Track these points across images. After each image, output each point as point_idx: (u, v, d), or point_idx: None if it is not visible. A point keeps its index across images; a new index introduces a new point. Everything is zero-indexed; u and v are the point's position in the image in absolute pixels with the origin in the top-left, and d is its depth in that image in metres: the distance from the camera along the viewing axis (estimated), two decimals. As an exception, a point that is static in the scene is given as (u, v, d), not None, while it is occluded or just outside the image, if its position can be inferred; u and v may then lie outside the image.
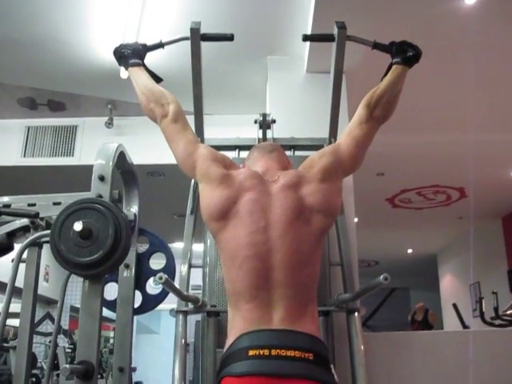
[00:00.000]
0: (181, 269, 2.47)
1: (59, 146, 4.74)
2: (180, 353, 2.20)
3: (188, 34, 2.24)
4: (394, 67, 2.03)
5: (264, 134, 2.95)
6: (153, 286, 2.50)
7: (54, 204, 2.24)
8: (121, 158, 2.32)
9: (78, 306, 1.97)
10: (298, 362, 1.50)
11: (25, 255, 2.15)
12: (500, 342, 2.99)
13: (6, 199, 2.31)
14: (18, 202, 2.29)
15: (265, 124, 2.94)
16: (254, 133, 2.95)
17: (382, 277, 1.66)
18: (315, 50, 3.32)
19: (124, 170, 2.53)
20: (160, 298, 2.62)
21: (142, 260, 2.60)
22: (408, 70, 2.03)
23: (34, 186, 2.91)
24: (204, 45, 2.32)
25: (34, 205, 2.25)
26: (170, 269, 2.59)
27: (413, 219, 8.13)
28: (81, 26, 3.51)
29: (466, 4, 3.09)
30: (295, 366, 1.49)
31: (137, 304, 2.55)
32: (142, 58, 2.14)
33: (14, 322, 2.53)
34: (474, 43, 3.46)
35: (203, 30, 2.25)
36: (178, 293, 2.03)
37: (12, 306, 2.06)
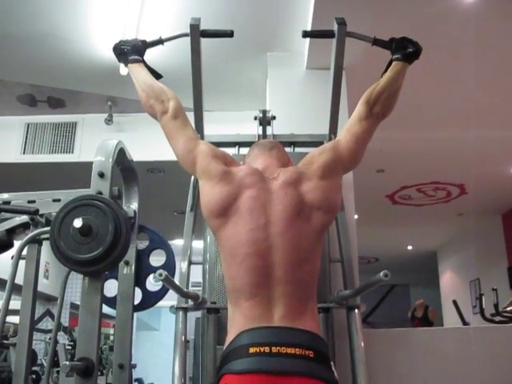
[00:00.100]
0: (181, 266, 2.47)
1: (59, 142, 4.73)
2: (180, 350, 2.21)
3: (188, 31, 2.24)
4: (393, 63, 2.02)
5: (264, 130, 2.94)
6: (153, 283, 2.50)
7: (54, 201, 2.23)
8: (120, 155, 2.32)
9: (78, 302, 1.97)
10: (298, 360, 1.50)
11: (24, 252, 2.15)
12: (500, 339, 2.99)
13: (5, 196, 2.31)
14: (18, 198, 2.28)
15: (265, 120, 2.94)
16: (253, 129, 2.95)
17: (382, 273, 1.66)
18: (315, 46, 3.32)
19: (124, 166, 2.52)
20: (160, 294, 2.61)
21: (142, 257, 2.59)
22: (408, 66, 2.02)
23: (33, 183, 2.89)
24: (204, 41, 2.31)
25: (33, 202, 2.25)
26: (169, 266, 2.59)
27: (413, 216, 8.14)
28: (80, 22, 3.50)
29: (466, 1, 3.09)
30: (295, 363, 1.50)
31: (137, 301, 2.55)
32: (142, 54, 2.13)
33: (14, 319, 2.53)
34: (473, 40, 3.45)
35: (203, 27, 2.24)
36: (177, 290, 2.03)
37: (12, 302, 2.06)
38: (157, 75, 2.12)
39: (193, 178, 2.65)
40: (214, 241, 2.56)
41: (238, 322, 1.62)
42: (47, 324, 7.85)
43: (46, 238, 2.03)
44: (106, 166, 2.09)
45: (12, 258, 2.12)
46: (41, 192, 2.30)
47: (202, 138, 2.64)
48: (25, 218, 2.19)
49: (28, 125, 4.80)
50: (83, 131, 4.77)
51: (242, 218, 1.69)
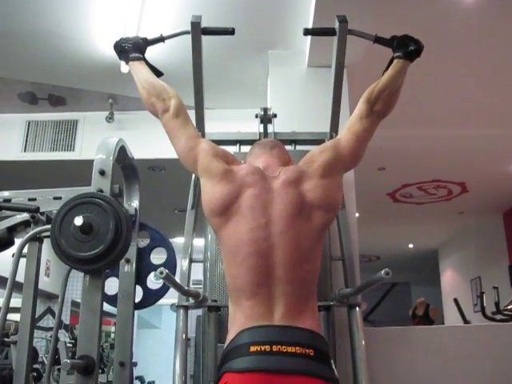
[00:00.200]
0: (181, 264, 2.47)
1: (60, 140, 4.73)
2: (181, 348, 2.20)
3: (189, 28, 2.23)
4: (395, 61, 2.02)
5: (265, 128, 2.94)
6: (153, 281, 2.50)
7: (55, 199, 2.24)
8: (121, 153, 2.32)
9: (79, 300, 1.97)
10: (298, 358, 1.50)
11: (25, 250, 2.15)
12: (501, 337, 2.98)
13: (6, 194, 2.31)
14: (19, 196, 2.29)
15: (266, 118, 2.93)
16: (254, 127, 2.94)
17: (383, 272, 1.66)
18: (316, 44, 3.31)
19: (125, 164, 2.52)
20: (161, 292, 2.61)
21: (143, 255, 2.59)
22: (409, 64, 2.02)
23: (34, 181, 2.89)
24: (205, 39, 2.31)
25: (34, 199, 2.25)
26: (170, 264, 2.59)
27: (414, 214, 8.13)
28: (81, 20, 3.50)
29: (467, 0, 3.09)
30: (296, 361, 1.50)
31: (137, 299, 2.55)
32: (143, 52, 2.13)
33: (15, 317, 2.53)
34: (474, 38, 3.45)
35: (204, 24, 2.24)
36: (178, 288, 2.03)
37: (13, 300, 2.06)
38: (158, 73, 2.11)
39: (194, 175, 2.65)
40: (215, 239, 2.56)
41: (238, 320, 1.62)
42: (48, 322, 7.85)
43: (47, 236, 2.03)
44: (106, 164, 2.10)
45: (13, 255, 2.12)
46: (41, 190, 2.30)
47: (203, 135, 2.64)
48: (25, 215, 2.19)
49: (29, 122, 4.80)
50: (84, 129, 4.77)
51: (243, 216, 1.69)
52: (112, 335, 8.65)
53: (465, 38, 3.44)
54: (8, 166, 4.78)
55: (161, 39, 2.21)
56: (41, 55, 3.89)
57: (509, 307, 5.10)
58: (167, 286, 2.43)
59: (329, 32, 2.30)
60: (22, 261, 2.14)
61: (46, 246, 2.11)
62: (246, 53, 3.79)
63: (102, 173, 2.07)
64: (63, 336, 7.09)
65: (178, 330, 2.26)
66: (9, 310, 2.05)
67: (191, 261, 2.51)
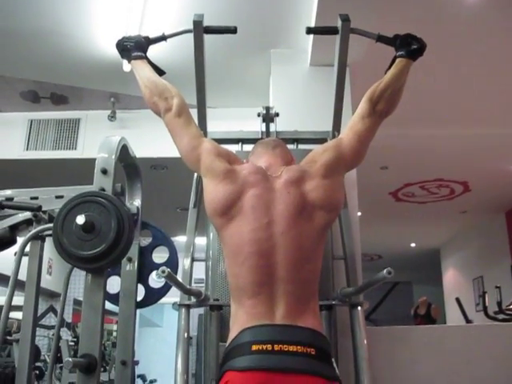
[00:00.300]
0: (184, 262, 2.47)
1: (62, 139, 4.73)
2: (183, 346, 2.20)
3: (191, 27, 2.23)
4: (397, 60, 2.01)
5: (267, 127, 2.94)
6: (155, 280, 2.50)
7: (57, 197, 2.24)
8: (123, 152, 2.32)
9: (81, 299, 1.97)
10: (300, 357, 1.51)
11: (27, 248, 2.15)
12: (503, 337, 2.98)
13: (8, 192, 2.31)
14: (21, 195, 2.29)
15: (268, 117, 2.93)
16: (257, 126, 2.94)
17: (385, 271, 1.66)
18: (319, 43, 3.31)
19: (127, 163, 2.52)
20: (163, 291, 2.61)
21: (145, 253, 2.59)
22: (412, 63, 2.02)
23: (36, 180, 2.90)
24: (207, 37, 2.31)
25: (36, 198, 2.25)
26: (172, 262, 2.59)
27: (416, 213, 8.12)
28: (84, 19, 3.50)
29: (470, -1, 3.09)
30: (297, 360, 1.50)
31: (140, 297, 2.55)
32: (145, 50, 2.13)
33: (18, 315, 2.53)
34: (477, 37, 3.45)
35: (206, 23, 2.24)
36: (180, 286, 2.02)
37: (16, 298, 2.07)
38: (160, 71, 2.12)
39: (196, 174, 2.65)
40: (217, 238, 2.56)
41: (240, 319, 1.63)
42: (50, 320, 7.86)
43: (49, 235, 2.03)
44: (109, 163, 2.10)
45: (15, 254, 2.12)
46: (44, 188, 2.30)
47: (205, 134, 2.64)
48: (28, 214, 2.19)
49: (31, 121, 4.80)
50: (86, 128, 4.77)
51: (245, 217, 1.69)
52: (114, 333, 8.65)
53: (466, 37, 3.43)
54: (10, 165, 4.78)
55: (163, 38, 2.21)
56: (43, 54, 3.90)
57: (511, 307, 5.10)
58: (169, 285, 2.43)
59: (331, 31, 2.30)
60: (24, 259, 2.14)
61: (49, 244, 2.11)
62: (249, 51, 3.78)
63: (104, 171, 2.07)
64: (65, 334, 7.11)
65: (179, 328, 2.26)
66: (11, 308, 2.05)
67: (193, 259, 2.51)
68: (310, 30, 2.47)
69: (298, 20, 3.33)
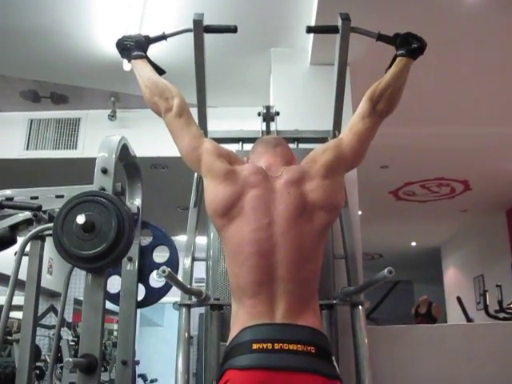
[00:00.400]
0: (184, 262, 2.47)
1: (62, 138, 4.73)
2: (183, 346, 2.20)
3: (191, 26, 2.23)
4: (398, 59, 2.01)
5: (267, 126, 2.94)
6: (156, 279, 2.49)
7: (57, 197, 2.23)
8: (124, 151, 2.32)
9: (82, 298, 1.97)
10: (300, 356, 1.52)
11: (28, 248, 2.15)
12: (504, 335, 2.98)
13: (8, 192, 2.31)
14: (21, 194, 2.28)
15: (268, 116, 2.93)
16: (257, 125, 2.94)
17: (386, 270, 1.66)
18: (319, 42, 3.30)
19: (127, 162, 2.52)
20: (163, 291, 2.61)
21: (146, 253, 2.59)
22: (412, 62, 2.02)
23: (36, 179, 2.90)
24: (207, 37, 2.30)
25: (36, 198, 2.25)
26: (173, 262, 2.59)
27: (417, 212, 8.12)
28: (84, 18, 3.50)
29: (470, -3, 3.09)
30: (297, 359, 1.51)
31: (140, 297, 2.55)
32: (145, 50, 2.13)
33: (18, 315, 2.53)
34: (476, 36, 3.44)
35: (206, 22, 2.24)
36: (181, 286, 2.02)
37: (16, 298, 2.06)
38: (160, 71, 2.11)
39: (196, 173, 2.65)
40: (218, 237, 2.56)
41: (241, 318, 1.63)
42: (51, 320, 7.86)
43: (49, 235, 2.02)
44: (109, 162, 2.09)
45: (15, 254, 2.12)
46: (44, 188, 2.29)
47: (206, 134, 2.63)
48: (28, 214, 2.19)
49: (31, 121, 4.80)
50: (86, 127, 4.77)
51: (245, 217, 1.70)
52: (115, 333, 8.65)
53: (467, 36, 3.43)
54: (10, 165, 4.78)
55: (163, 37, 2.21)
56: (43, 53, 3.89)
57: (512, 305, 5.10)
58: (170, 285, 2.43)
59: (331, 30, 2.30)
60: (25, 259, 2.14)
61: (49, 243, 2.10)
62: (249, 51, 3.78)
63: (105, 171, 2.06)
64: (66, 334, 7.10)
65: (180, 328, 2.26)
66: (11, 307, 2.05)
67: (194, 259, 2.51)
68: (310, 29, 2.46)
69: (299, 19, 3.33)
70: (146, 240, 2.66)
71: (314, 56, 3.49)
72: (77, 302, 8.02)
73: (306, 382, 1.50)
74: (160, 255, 2.65)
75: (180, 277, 2.13)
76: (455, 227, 9.41)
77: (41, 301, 2.71)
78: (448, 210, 8.01)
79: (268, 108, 2.94)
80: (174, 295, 2.39)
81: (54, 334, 2.83)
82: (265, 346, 1.51)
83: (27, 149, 4.72)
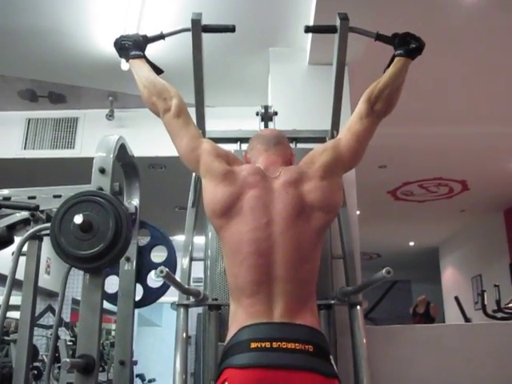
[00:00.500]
0: (182, 262, 2.47)
1: (60, 138, 4.72)
2: (181, 346, 2.20)
3: (189, 26, 2.22)
4: (396, 59, 2.01)
5: (266, 126, 2.93)
6: (154, 279, 2.49)
7: (55, 197, 2.23)
8: (121, 151, 2.31)
9: (80, 298, 1.97)
10: (298, 354, 1.52)
11: (25, 248, 2.14)
12: (502, 335, 2.98)
13: (6, 192, 2.30)
14: (18, 194, 2.28)
15: (267, 116, 2.93)
16: (255, 125, 2.94)
17: (384, 271, 1.65)
18: (317, 41, 3.30)
19: (125, 162, 2.52)
20: (161, 291, 2.61)
21: (143, 253, 2.59)
22: (411, 62, 2.02)
23: (34, 179, 2.90)
24: (205, 36, 2.30)
25: (34, 197, 2.25)
26: (171, 262, 2.59)
27: (415, 212, 8.13)
28: (82, 17, 3.49)
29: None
30: (296, 357, 1.52)
31: (138, 297, 2.55)
32: (143, 49, 2.13)
33: (15, 315, 2.53)
34: (476, 36, 3.44)
35: (205, 22, 2.23)
36: (178, 286, 2.02)
37: (13, 298, 2.06)
38: (158, 70, 2.11)
39: (194, 173, 2.64)
40: (216, 237, 2.56)
41: (239, 317, 1.64)
42: (48, 320, 7.86)
43: (47, 234, 2.02)
44: (107, 162, 2.09)
45: (12, 254, 2.11)
46: (41, 188, 2.29)
47: (204, 133, 2.63)
48: (25, 213, 2.19)
49: (29, 120, 4.78)
50: (84, 127, 4.76)
51: (244, 217, 1.70)
52: (113, 333, 8.65)
53: (465, 36, 3.43)
54: (8, 164, 4.77)
55: (161, 37, 2.20)
56: (41, 52, 3.89)
57: (510, 305, 5.09)
58: (168, 285, 2.43)
59: (330, 29, 2.29)
60: (22, 259, 2.14)
61: (47, 243, 2.10)
62: (247, 50, 3.78)
63: (102, 171, 2.06)
64: (63, 334, 7.09)
65: (178, 328, 2.26)
66: (9, 307, 2.05)
67: (192, 259, 2.51)
68: (308, 29, 2.46)
69: (297, 18, 3.32)
70: (144, 240, 2.66)
71: (312, 56, 3.48)
72: (75, 301, 8.01)
73: (305, 380, 1.50)
74: (158, 255, 2.65)
75: (178, 277, 2.13)
76: (453, 227, 9.42)
77: (38, 301, 2.71)
78: (446, 209, 8.02)
79: (266, 108, 2.94)
80: (172, 295, 2.38)
81: (51, 334, 2.82)
82: (263, 344, 1.52)
83: (25, 148, 4.71)
